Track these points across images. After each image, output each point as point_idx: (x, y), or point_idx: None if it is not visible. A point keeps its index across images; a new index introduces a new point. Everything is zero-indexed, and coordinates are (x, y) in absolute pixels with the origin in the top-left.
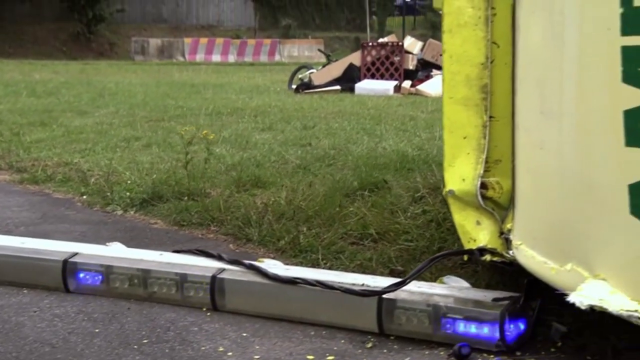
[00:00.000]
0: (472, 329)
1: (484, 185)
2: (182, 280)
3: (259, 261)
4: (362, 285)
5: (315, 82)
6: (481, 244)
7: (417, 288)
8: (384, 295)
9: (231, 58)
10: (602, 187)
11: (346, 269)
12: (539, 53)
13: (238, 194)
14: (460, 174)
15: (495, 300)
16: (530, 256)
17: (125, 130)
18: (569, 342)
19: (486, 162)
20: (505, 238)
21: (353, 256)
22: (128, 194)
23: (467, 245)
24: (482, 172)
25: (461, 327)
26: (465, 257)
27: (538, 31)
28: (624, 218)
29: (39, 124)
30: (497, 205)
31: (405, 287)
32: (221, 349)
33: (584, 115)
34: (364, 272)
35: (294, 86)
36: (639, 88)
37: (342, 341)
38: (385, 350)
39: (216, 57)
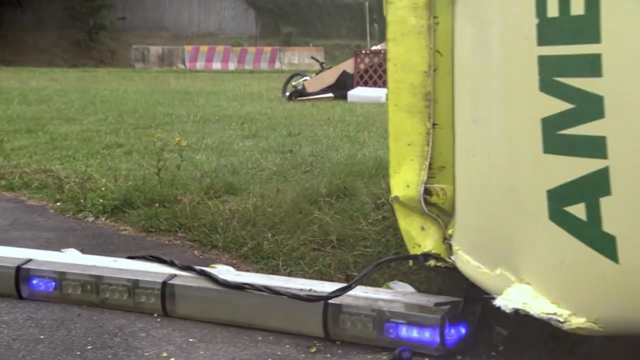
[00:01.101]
0: (414, 333)
1: (428, 192)
2: (133, 286)
3: (211, 267)
4: (310, 290)
5: (309, 90)
6: (426, 249)
7: (363, 293)
8: (330, 301)
9: (231, 66)
10: (525, 193)
11: (305, 275)
12: (470, 62)
13: (209, 200)
14: (405, 180)
15: (437, 305)
16: (466, 261)
17: (110, 137)
18: (510, 346)
19: (431, 168)
20: (448, 244)
21: (313, 262)
22: (101, 200)
23: (412, 251)
24: (425, 178)
25: (404, 331)
26: (411, 263)
27: (469, 40)
28: (543, 223)
29: (25, 131)
30: (442, 211)
31: (352, 293)
32: (165, 354)
33: (507, 123)
34: (321, 278)
35: (287, 94)
36: (555, 97)
37: (288, 346)
38: (328, 355)
39: (216, 65)
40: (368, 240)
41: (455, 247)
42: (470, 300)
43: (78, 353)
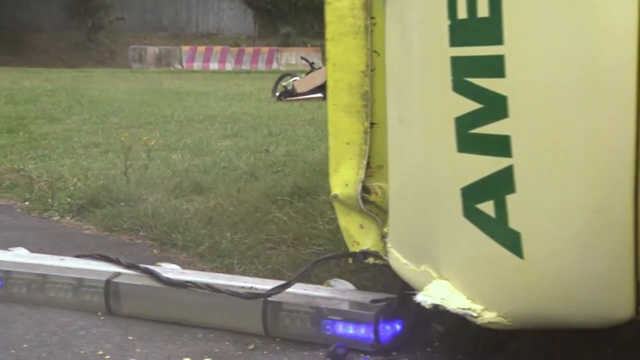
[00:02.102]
0: (350, 330)
1: (367, 190)
2: (78, 284)
3: (157, 265)
4: (251, 288)
5: (298, 90)
6: (365, 247)
7: (303, 291)
8: (271, 299)
9: (228, 66)
10: (442, 191)
11: (258, 273)
12: (397, 62)
13: (175, 199)
14: (344, 179)
15: (374, 301)
16: (396, 258)
17: (89, 137)
18: (445, 341)
19: (369, 167)
20: (384, 241)
21: (267, 261)
22: (69, 200)
23: (352, 249)
24: (363, 177)
25: (340, 328)
26: (350, 260)
27: (395, 41)
28: (458, 220)
29: (6, 130)
30: (380, 209)
31: (292, 290)
32: (100, 352)
33: (426, 122)
34: (274, 276)
35: (277, 94)
36: (466, 96)
37: (227, 343)
38: (266, 352)
39: (214, 65)
40: (321, 239)
41: (388, 245)
42: (405, 297)
43: (13, 351)
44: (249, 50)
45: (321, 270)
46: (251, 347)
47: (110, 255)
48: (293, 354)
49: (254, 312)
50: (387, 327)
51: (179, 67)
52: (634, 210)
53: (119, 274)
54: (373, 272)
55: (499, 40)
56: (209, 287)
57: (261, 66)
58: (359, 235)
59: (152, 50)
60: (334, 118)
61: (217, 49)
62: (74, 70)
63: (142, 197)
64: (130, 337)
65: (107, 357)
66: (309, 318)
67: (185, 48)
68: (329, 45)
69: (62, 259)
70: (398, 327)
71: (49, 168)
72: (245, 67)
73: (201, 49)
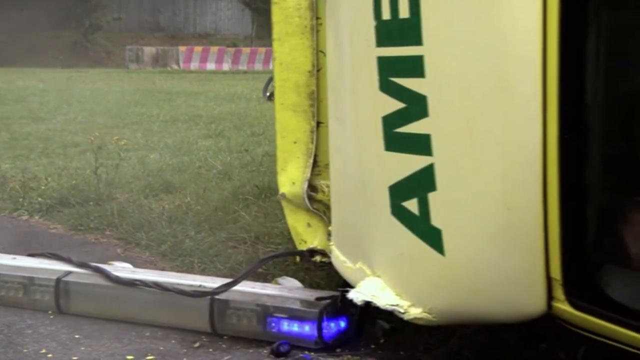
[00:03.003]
0: (295, 327)
1: (314, 189)
2: (29, 283)
3: (109, 264)
4: (199, 286)
5: None
6: (311, 245)
7: (250, 289)
8: (218, 297)
9: (225, 66)
10: (373, 189)
11: (217, 272)
12: (333, 62)
13: (145, 199)
14: (291, 177)
15: (319, 299)
16: (336, 256)
17: (71, 136)
18: (390, 338)
19: (317, 166)
20: (330, 239)
21: (227, 259)
22: (40, 199)
23: (299, 247)
24: (309, 175)
25: (285, 325)
26: (298, 259)
27: (332, 41)
28: (387, 218)
29: None
30: (327, 207)
31: (240, 289)
32: (43, 350)
33: (357, 121)
34: (232, 275)
35: (268, 94)
36: (391, 96)
37: (173, 341)
38: (211, 350)
39: (211, 66)
40: (280, 237)
41: (330, 243)
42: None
43: None
44: (246, 50)
45: (280, 268)
46: (196, 345)
47: (62, 254)
48: (238, 351)
49: (201, 311)
50: (331, 325)
51: (176, 67)
52: (544, 207)
53: (69, 272)
54: (328, 271)
55: (418, 41)
56: (157, 285)
57: (258, 66)
58: (306, 233)
59: (149, 51)
60: (281, 117)
61: (214, 49)
62: (70, 71)
63: (112, 196)
64: (76, 336)
65: (50, 355)
66: (255, 316)
67: (182, 48)
68: (276, 45)
69: (14, 258)
70: (342, 324)
71: (25, 167)
72: (243, 67)
73: (198, 49)
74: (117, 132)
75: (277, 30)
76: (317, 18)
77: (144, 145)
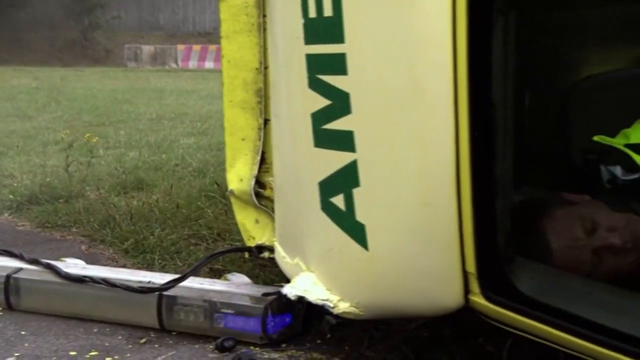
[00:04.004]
0: (241, 323)
1: (262, 185)
2: None
3: (60, 260)
4: (148, 282)
5: None
6: (260, 241)
7: (198, 285)
8: (166, 293)
9: None
10: (305, 185)
11: (177, 269)
12: (271, 59)
13: (117, 196)
14: (239, 174)
15: (265, 295)
16: (278, 252)
17: (54, 134)
18: (336, 334)
19: (264, 162)
20: None
21: (188, 256)
22: (11, 196)
23: (248, 243)
24: (256, 172)
25: (231, 321)
26: (246, 255)
27: (270, 39)
28: (317, 214)
29: None
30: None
31: (188, 284)
32: None
33: (290, 117)
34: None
35: None
36: (318, 93)
37: (120, 337)
38: (157, 345)
39: (209, 64)
40: (239, 234)
41: (274, 239)
42: None
43: None
44: None
45: (237, 265)
46: (143, 340)
47: (13, 251)
48: (184, 347)
49: (150, 307)
50: (276, 320)
51: (174, 66)
52: (458, 203)
53: (20, 269)
54: None
55: (340, 39)
56: (105, 282)
57: None
58: (254, 230)
59: (147, 49)
60: (229, 114)
61: (213, 47)
62: (68, 69)
63: (82, 193)
64: (23, 332)
65: None
66: (203, 312)
67: (181, 47)
68: (224, 43)
69: None
70: (287, 319)
71: (1, 165)
72: None
73: (197, 47)
74: (101, 130)
75: (225, 27)
76: (264, 16)
77: (125, 143)
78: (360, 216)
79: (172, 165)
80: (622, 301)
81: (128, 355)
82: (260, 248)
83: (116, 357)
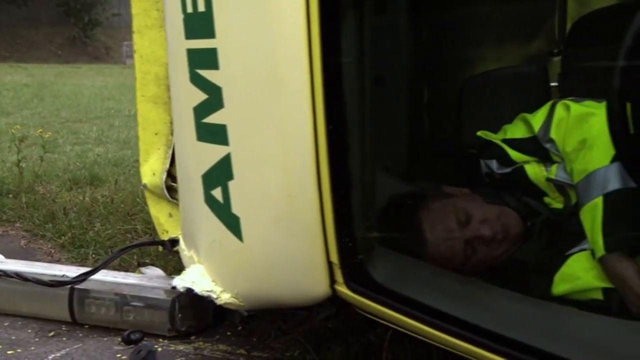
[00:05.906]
0: (150, 315)
1: (174, 179)
2: None
3: None
4: (63, 276)
5: None
6: (173, 235)
7: (111, 278)
8: (78, 286)
9: None
10: (192, 178)
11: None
12: (167, 54)
13: (68, 191)
14: (152, 168)
15: (174, 287)
16: (180, 245)
17: (27, 130)
18: (247, 326)
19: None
20: None
21: None
22: None
23: (162, 236)
24: (168, 166)
25: (141, 314)
26: (160, 248)
27: (165, 34)
28: (201, 206)
29: None
30: None
31: (101, 278)
32: None
33: (177, 111)
34: (120, 266)
35: None
36: (198, 87)
37: (29, 331)
38: (64, 339)
39: None
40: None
41: (179, 233)
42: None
43: None
44: None
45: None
46: (51, 334)
47: None
48: (92, 339)
49: (62, 300)
50: (185, 312)
51: None
52: (319, 194)
53: None
54: None
55: (212, 34)
56: (18, 275)
57: None
58: (168, 223)
59: None
60: (142, 109)
61: None
62: (66, 66)
63: (33, 189)
64: None
65: None
66: (114, 304)
67: None
68: (136, 38)
69: None
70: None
71: None
72: None
73: None
74: (76, 127)
75: (137, 23)
76: None
77: (95, 139)
78: (235, 208)
79: (132, 161)
80: (468, 290)
81: (32, 348)
82: (174, 241)
83: (19, 350)
